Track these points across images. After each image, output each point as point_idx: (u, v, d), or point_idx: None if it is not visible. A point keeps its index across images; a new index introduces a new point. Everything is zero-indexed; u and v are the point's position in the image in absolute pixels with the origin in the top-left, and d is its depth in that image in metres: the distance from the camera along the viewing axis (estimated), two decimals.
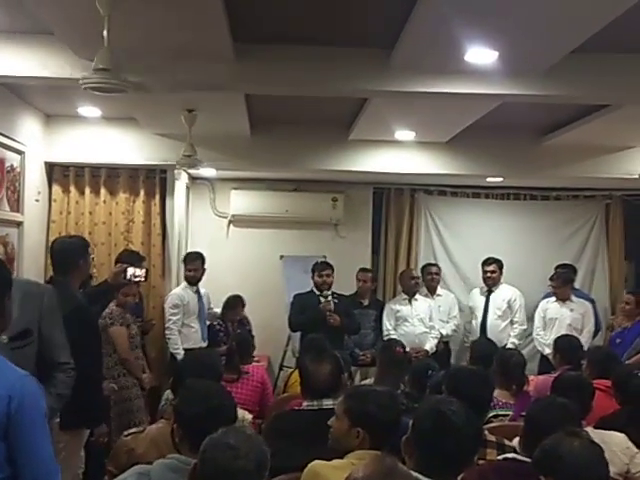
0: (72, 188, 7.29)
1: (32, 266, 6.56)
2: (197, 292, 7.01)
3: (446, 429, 2.46)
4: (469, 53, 4.39)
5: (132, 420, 5.56)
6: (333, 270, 7.03)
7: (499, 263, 7.82)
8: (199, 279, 7.08)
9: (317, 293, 6.96)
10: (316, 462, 2.86)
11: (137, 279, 4.97)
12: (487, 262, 7.85)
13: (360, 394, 3.16)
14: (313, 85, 4.99)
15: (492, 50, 4.35)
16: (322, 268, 7.02)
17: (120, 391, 5.67)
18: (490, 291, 7.80)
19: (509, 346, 7.29)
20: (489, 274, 7.79)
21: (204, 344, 6.85)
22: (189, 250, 7.95)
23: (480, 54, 4.40)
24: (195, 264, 7.03)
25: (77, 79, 4.07)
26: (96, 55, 3.63)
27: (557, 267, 7.90)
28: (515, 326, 7.68)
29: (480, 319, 7.78)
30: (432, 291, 8.00)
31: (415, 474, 2.14)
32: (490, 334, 7.44)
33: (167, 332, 6.75)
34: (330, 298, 6.91)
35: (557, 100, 5.30)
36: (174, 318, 6.74)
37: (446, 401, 2.63)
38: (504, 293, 7.77)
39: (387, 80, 4.88)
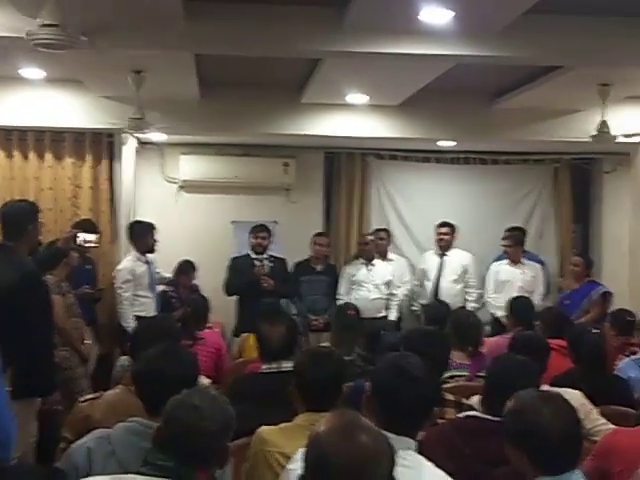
0: (15, 152, 7.12)
1: None
2: (147, 262, 6.87)
3: (405, 380, 2.46)
4: (423, 12, 4.36)
5: (73, 389, 5.46)
6: (270, 234, 7.08)
7: (452, 227, 7.87)
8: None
9: (253, 256, 6.96)
10: (263, 428, 2.87)
11: (88, 244, 4.89)
12: (441, 225, 7.89)
13: (300, 353, 3.25)
14: (264, 45, 4.93)
15: (446, 9, 4.33)
16: (258, 230, 7.06)
17: (62, 360, 5.56)
18: (444, 254, 7.84)
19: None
20: (442, 236, 7.82)
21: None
22: (138, 218, 7.79)
23: (434, 13, 4.38)
24: (154, 233, 6.89)
25: (20, 37, 3.94)
26: (43, 10, 3.49)
27: (507, 230, 7.99)
28: (472, 290, 7.76)
29: (433, 281, 7.82)
30: (381, 256, 8.00)
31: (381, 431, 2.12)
32: (443, 297, 7.46)
33: (118, 307, 6.63)
34: (265, 262, 6.91)
35: (510, 61, 5.32)
36: (126, 294, 6.59)
37: (403, 355, 2.65)
38: (459, 257, 7.84)
39: (340, 40, 4.85)
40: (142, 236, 6.81)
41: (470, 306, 7.56)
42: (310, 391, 2.88)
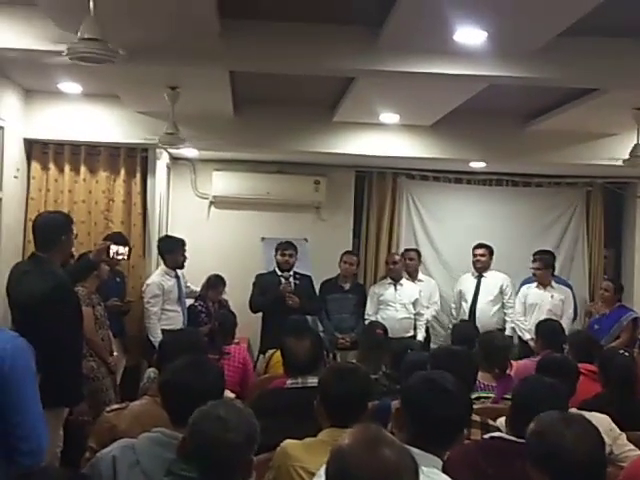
0: (51, 165, 7.20)
1: (10, 243, 6.47)
2: (176, 276, 6.93)
3: (438, 393, 2.48)
4: (458, 33, 4.37)
5: (102, 399, 5.50)
6: (296, 251, 7.13)
7: (489, 248, 7.81)
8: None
9: (279, 273, 6.99)
10: (287, 442, 2.86)
11: (120, 257, 4.95)
12: (477, 246, 7.85)
13: (325, 369, 3.24)
14: (299, 62, 4.95)
15: (481, 30, 4.33)
16: (285, 247, 7.10)
17: (90, 371, 5.60)
18: (481, 275, 7.79)
19: (508, 332, 7.33)
20: (478, 257, 7.77)
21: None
22: (169, 233, 7.87)
23: (469, 34, 4.38)
24: (184, 249, 6.96)
25: (60, 51, 4.00)
26: (82, 24, 3.55)
27: (536, 253, 7.95)
28: (510, 311, 7.66)
29: (470, 303, 7.77)
30: (412, 276, 7.98)
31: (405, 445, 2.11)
32: (480, 318, 7.47)
33: (146, 322, 6.68)
34: (291, 279, 6.94)
35: (545, 83, 5.29)
36: (154, 309, 6.65)
37: (435, 372, 2.64)
38: (496, 278, 7.78)
39: (374, 59, 4.85)
40: (172, 252, 6.88)
41: (510, 327, 7.52)
42: (334, 406, 2.88)
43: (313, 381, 3.42)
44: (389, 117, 6.87)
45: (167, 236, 7.33)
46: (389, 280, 7.68)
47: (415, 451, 2.01)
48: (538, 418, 2.41)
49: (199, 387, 2.59)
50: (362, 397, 2.95)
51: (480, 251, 7.80)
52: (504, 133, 7.41)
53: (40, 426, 2.51)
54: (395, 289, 7.59)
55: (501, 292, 7.71)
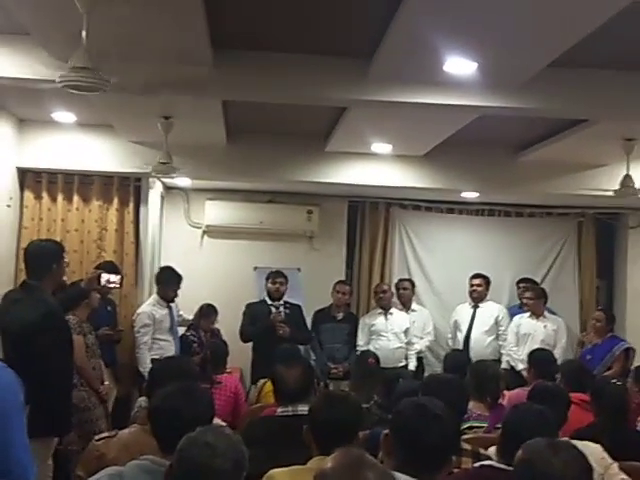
0: (44, 194, 7.21)
1: (2, 272, 6.47)
2: (168, 306, 6.91)
3: (428, 419, 2.47)
4: (448, 63, 4.40)
5: (92, 429, 5.45)
6: (287, 280, 7.10)
7: (486, 278, 7.84)
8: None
9: (269, 302, 6.99)
10: (274, 470, 2.82)
11: (111, 285, 4.95)
12: (474, 276, 7.87)
13: (316, 396, 3.25)
14: (291, 92, 4.99)
15: (471, 61, 4.37)
16: (275, 276, 7.12)
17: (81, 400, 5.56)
18: (477, 306, 7.80)
19: (504, 366, 7.28)
20: (475, 287, 7.79)
21: None
22: (162, 262, 7.87)
23: (459, 65, 4.42)
24: (179, 285, 6.94)
25: (52, 80, 4.03)
26: (74, 53, 3.58)
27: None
28: (505, 344, 7.65)
29: (464, 333, 7.76)
30: (405, 306, 7.98)
31: (393, 472, 2.10)
32: (474, 348, 7.47)
33: (137, 351, 6.66)
34: (281, 308, 6.93)
35: (534, 113, 5.34)
36: (144, 339, 6.62)
37: (425, 398, 2.64)
38: (491, 309, 7.80)
39: (365, 89, 4.89)
40: (167, 284, 6.86)
41: (505, 360, 7.50)
42: (323, 433, 2.85)
43: (304, 409, 3.39)
44: (381, 147, 6.91)
45: (168, 267, 7.26)
46: (379, 310, 7.69)
47: (403, 477, 2.01)
48: (525, 445, 2.40)
49: (189, 413, 2.57)
50: (352, 425, 2.93)
51: (477, 281, 7.81)
52: (496, 163, 7.46)
53: (25, 459, 2.41)
54: (385, 318, 7.59)
55: (496, 323, 7.71)
